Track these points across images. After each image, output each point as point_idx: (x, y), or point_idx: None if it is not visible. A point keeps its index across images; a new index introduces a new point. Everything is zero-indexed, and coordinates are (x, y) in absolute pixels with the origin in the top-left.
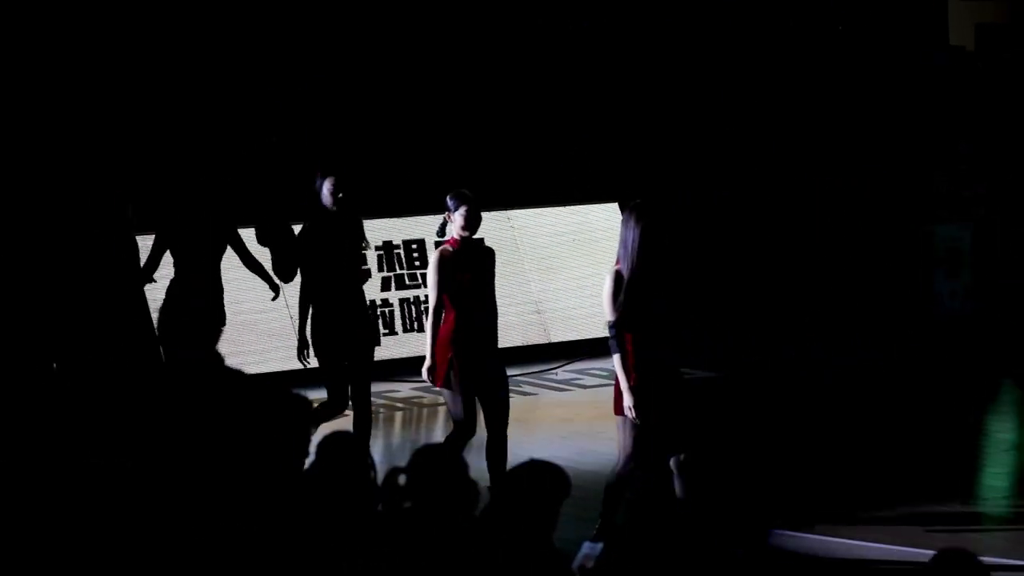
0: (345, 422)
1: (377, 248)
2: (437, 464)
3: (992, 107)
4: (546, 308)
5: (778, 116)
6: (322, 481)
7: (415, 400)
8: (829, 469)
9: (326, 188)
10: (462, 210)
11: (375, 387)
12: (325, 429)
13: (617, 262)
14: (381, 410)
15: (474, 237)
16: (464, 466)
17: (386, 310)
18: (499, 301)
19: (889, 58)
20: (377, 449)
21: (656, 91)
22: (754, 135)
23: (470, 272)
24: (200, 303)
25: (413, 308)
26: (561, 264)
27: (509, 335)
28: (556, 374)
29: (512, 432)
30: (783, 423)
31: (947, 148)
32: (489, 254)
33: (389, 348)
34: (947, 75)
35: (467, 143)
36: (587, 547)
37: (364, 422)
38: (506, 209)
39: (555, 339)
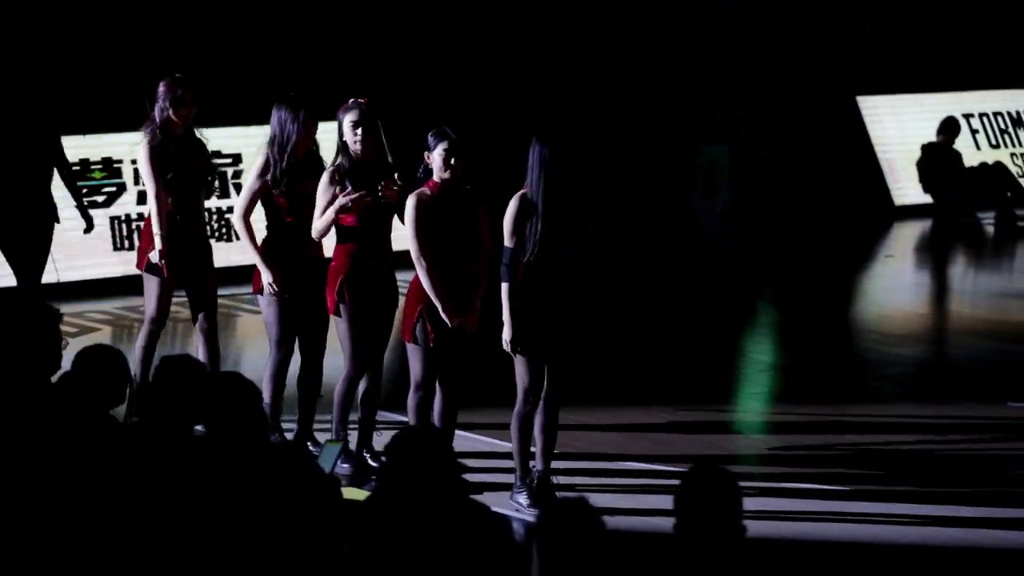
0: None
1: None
2: (178, 375)
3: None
4: None
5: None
6: (77, 391)
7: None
8: (581, 385)
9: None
10: (440, 148)
11: (132, 302)
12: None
13: (525, 186)
14: (136, 324)
15: (458, 181)
16: (204, 377)
17: None
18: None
19: None
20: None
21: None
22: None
23: (448, 220)
24: None
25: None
26: None
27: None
28: None
29: (256, 348)
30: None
31: (716, 77)
32: (475, 200)
33: (129, 264)
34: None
35: (210, 63)
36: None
37: None
38: (246, 126)
39: None
